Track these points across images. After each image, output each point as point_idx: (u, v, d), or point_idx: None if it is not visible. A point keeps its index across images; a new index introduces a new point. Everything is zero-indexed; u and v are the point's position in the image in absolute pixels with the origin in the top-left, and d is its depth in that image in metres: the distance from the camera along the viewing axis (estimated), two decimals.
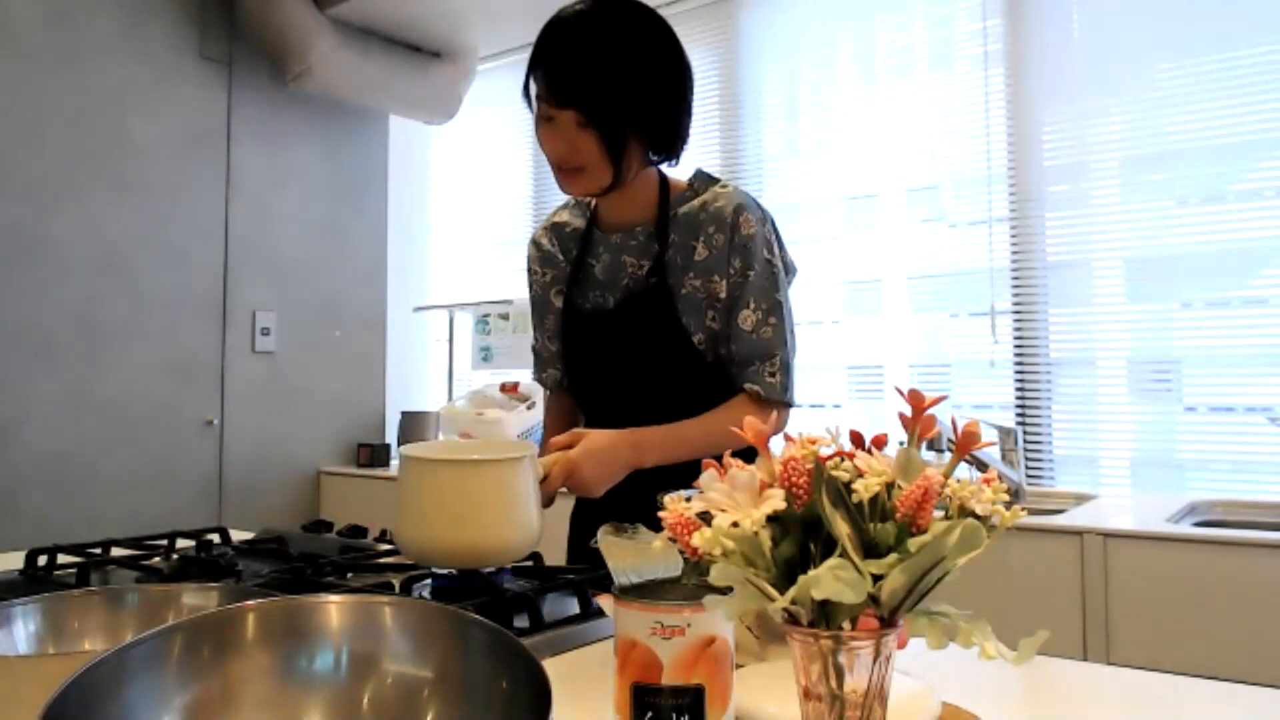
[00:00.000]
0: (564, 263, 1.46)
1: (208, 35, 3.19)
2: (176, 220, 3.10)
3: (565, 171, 1.29)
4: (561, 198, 1.45)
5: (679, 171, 1.40)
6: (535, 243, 1.51)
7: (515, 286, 3.74)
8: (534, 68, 1.26)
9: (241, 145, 3.28)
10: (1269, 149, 2.29)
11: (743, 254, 1.31)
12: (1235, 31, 2.34)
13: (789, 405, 1.34)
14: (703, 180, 1.39)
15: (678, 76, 1.30)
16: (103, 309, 2.92)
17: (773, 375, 1.31)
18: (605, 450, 1.21)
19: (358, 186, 3.65)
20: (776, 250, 1.35)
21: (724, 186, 1.36)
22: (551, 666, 0.63)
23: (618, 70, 1.22)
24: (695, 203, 1.35)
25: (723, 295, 1.32)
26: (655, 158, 1.33)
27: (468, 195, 3.96)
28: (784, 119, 3.09)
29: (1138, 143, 2.46)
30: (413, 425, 3.50)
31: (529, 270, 1.52)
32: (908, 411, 0.55)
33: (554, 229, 1.49)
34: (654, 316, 1.33)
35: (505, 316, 3.56)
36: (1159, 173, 2.44)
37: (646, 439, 1.25)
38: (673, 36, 1.30)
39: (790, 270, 1.40)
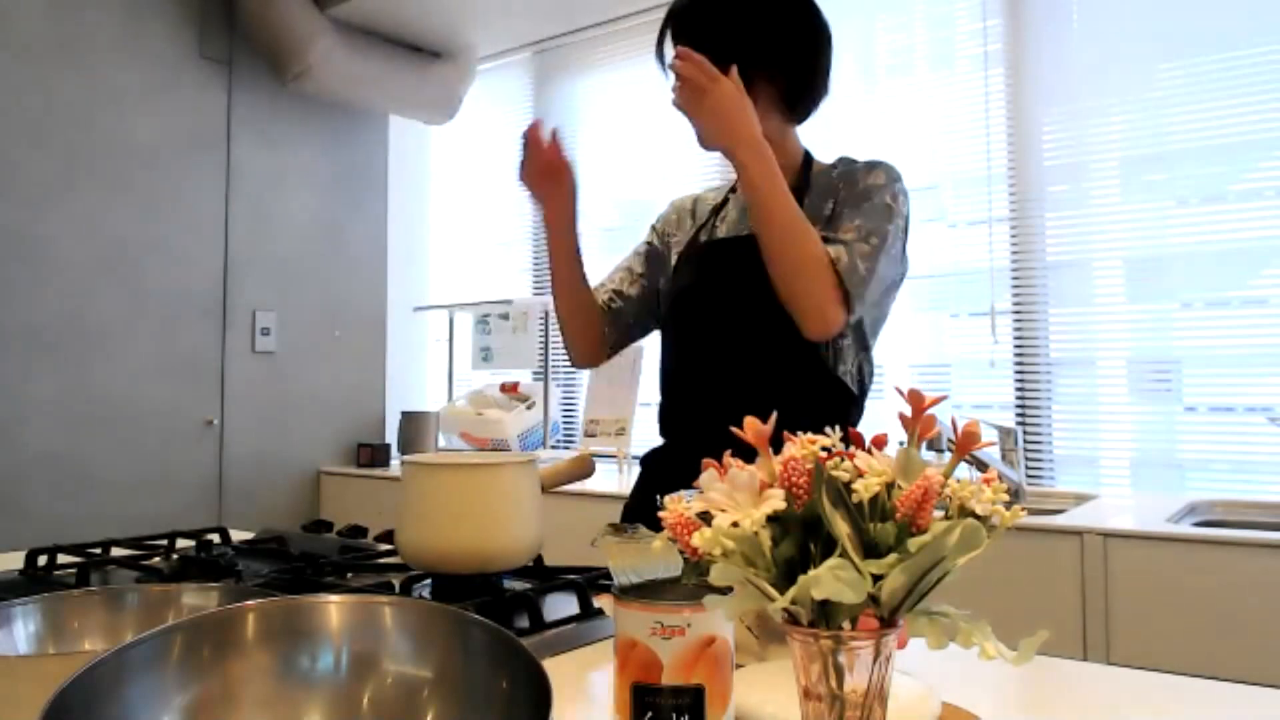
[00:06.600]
0: (692, 225, 1.48)
1: (208, 35, 3.19)
2: (176, 220, 3.10)
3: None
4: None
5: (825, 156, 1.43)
6: (678, 207, 1.53)
7: (515, 286, 3.74)
8: (665, 27, 1.32)
9: (241, 145, 3.28)
10: (1269, 149, 2.29)
11: (866, 194, 1.29)
12: (1235, 31, 2.34)
13: (851, 307, 1.21)
14: (846, 163, 1.39)
15: (810, 27, 1.33)
16: (103, 309, 2.92)
17: (858, 263, 1.22)
18: (742, 99, 1.21)
19: (358, 186, 3.65)
20: (902, 209, 1.30)
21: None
22: (551, 666, 0.64)
23: (742, 10, 1.27)
24: (835, 174, 1.37)
25: None
26: (789, 114, 1.34)
27: (468, 195, 3.96)
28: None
29: (1138, 143, 2.46)
30: (413, 425, 3.50)
31: (658, 222, 1.53)
32: (908, 411, 0.55)
33: (698, 201, 1.52)
34: None
35: (505, 316, 3.56)
36: (1159, 173, 2.44)
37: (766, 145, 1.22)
38: None
39: (904, 254, 1.33)
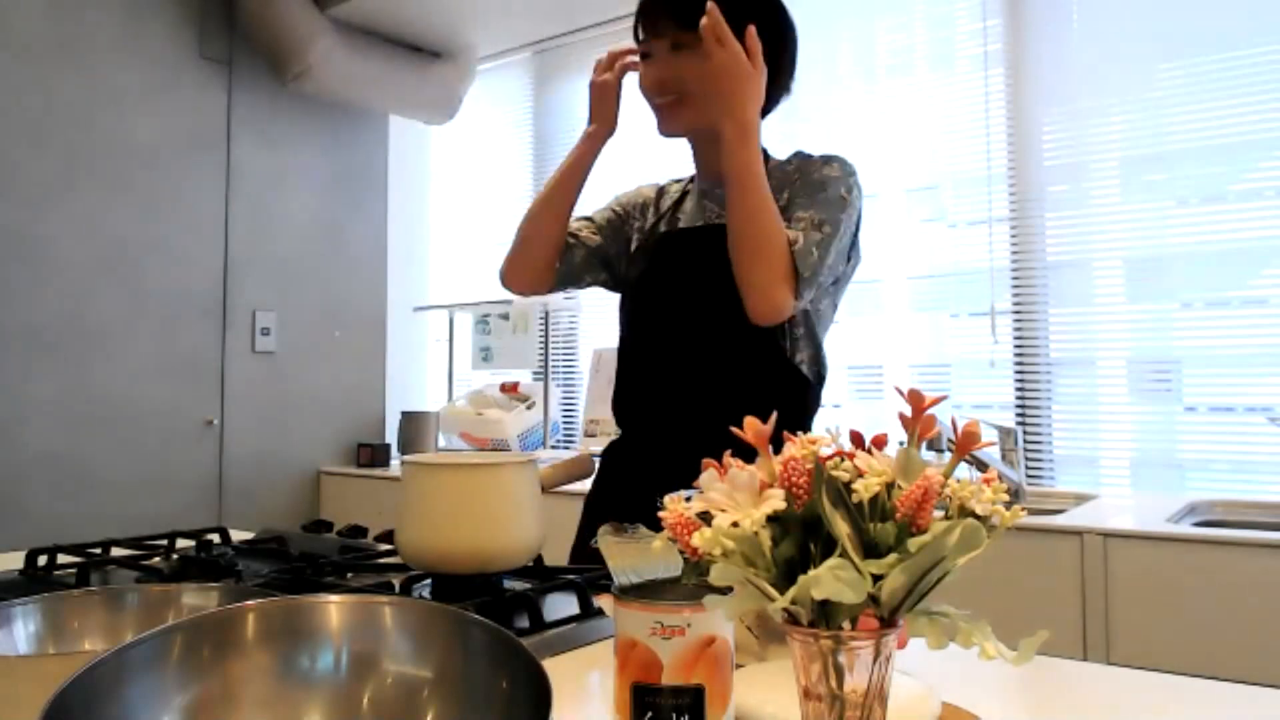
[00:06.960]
0: (653, 215, 1.49)
1: (208, 35, 3.20)
2: (176, 220, 3.10)
3: (663, 106, 1.33)
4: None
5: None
6: (644, 194, 1.53)
7: None
8: (637, 22, 1.35)
9: (241, 145, 3.28)
10: (1269, 149, 2.29)
11: (821, 185, 1.31)
12: (1235, 31, 2.34)
13: (799, 291, 1.23)
14: (801, 157, 1.41)
15: (775, 24, 1.35)
16: (103, 309, 2.92)
17: (812, 249, 1.24)
18: (745, 73, 1.21)
19: (358, 186, 3.65)
20: (855, 203, 1.33)
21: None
22: (551, 666, 0.63)
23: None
24: (790, 166, 1.38)
25: None
26: None
27: (468, 195, 3.96)
28: (784, 119, 3.08)
29: (1137, 143, 2.46)
30: (413, 425, 3.50)
31: (623, 198, 1.53)
32: (908, 411, 0.55)
33: (661, 192, 1.52)
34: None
35: (505, 316, 3.56)
36: (1159, 173, 2.44)
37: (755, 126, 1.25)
38: None
39: (855, 248, 1.37)
